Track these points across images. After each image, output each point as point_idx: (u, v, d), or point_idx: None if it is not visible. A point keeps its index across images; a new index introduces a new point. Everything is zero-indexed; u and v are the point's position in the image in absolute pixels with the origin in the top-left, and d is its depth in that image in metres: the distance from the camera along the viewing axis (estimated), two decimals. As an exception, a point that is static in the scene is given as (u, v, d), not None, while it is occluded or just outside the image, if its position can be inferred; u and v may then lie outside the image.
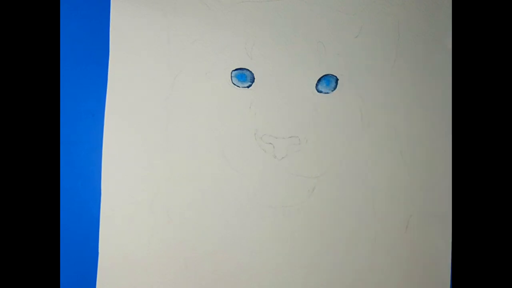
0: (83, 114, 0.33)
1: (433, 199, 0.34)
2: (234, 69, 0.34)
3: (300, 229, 0.33)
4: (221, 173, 0.33)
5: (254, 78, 0.34)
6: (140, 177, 0.33)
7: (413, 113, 0.35)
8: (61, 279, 0.31)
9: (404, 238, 0.34)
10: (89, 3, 0.34)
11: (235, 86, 0.34)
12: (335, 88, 0.34)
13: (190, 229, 0.32)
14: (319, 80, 0.34)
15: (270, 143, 0.33)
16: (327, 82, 0.34)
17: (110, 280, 0.32)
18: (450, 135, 0.35)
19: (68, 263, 0.32)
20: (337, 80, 0.34)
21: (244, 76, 0.34)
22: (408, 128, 0.35)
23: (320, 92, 0.34)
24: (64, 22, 0.34)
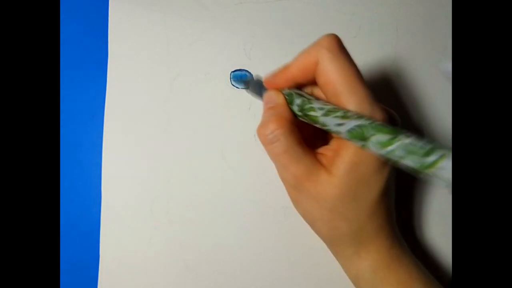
0: (82, 115, 0.33)
1: (433, 198, 0.34)
2: (233, 70, 0.34)
3: (301, 230, 0.33)
4: (221, 174, 0.33)
5: (253, 79, 0.34)
6: (140, 178, 0.33)
7: (412, 113, 0.35)
8: (62, 282, 0.31)
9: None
10: (87, 5, 0.35)
11: (234, 88, 0.34)
12: (334, 88, 0.34)
13: (190, 230, 0.32)
14: (318, 80, 0.34)
15: (270, 144, 0.33)
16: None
17: (111, 282, 0.32)
18: (450, 134, 0.35)
19: (69, 266, 0.32)
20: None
21: (243, 77, 0.34)
22: (407, 127, 0.35)
23: (319, 92, 0.34)
24: (62, 23, 0.34)
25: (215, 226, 0.33)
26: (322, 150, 0.27)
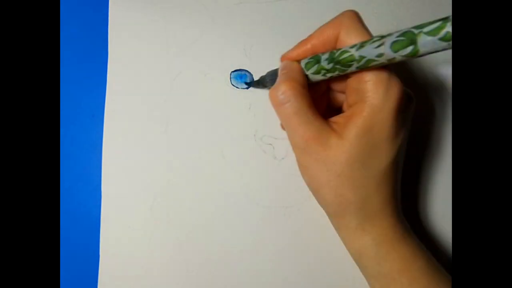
0: (82, 115, 0.33)
1: (433, 198, 0.34)
2: (233, 70, 0.34)
3: (301, 230, 0.33)
4: (221, 174, 0.33)
5: (253, 79, 0.34)
6: (140, 178, 0.33)
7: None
8: (62, 282, 0.31)
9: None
10: (87, 5, 0.35)
11: (234, 87, 0.34)
12: (334, 88, 0.34)
13: (190, 230, 0.33)
14: (318, 80, 0.34)
15: (270, 144, 0.33)
16: (326, 82, 0.34)
17: (111, 282, 0.32)
18: (450, 134, 0.35)
19: (69, 266, 0.32)
20: (336, 80, 0.34)
21: (243, 77, 0.34)
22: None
23: (319, 92, 0.34)
24: (62, 22, 0.34)
25: (215, 226, 0.33)
26: (334, 118, 0.27)
